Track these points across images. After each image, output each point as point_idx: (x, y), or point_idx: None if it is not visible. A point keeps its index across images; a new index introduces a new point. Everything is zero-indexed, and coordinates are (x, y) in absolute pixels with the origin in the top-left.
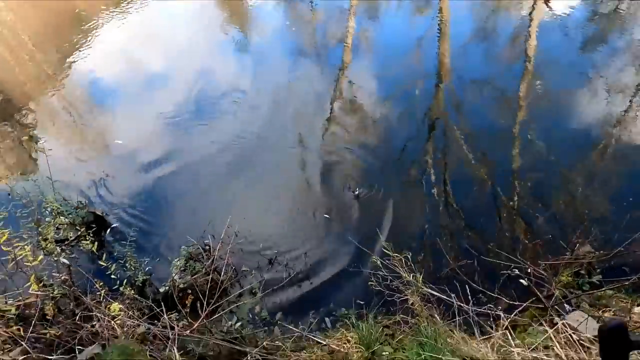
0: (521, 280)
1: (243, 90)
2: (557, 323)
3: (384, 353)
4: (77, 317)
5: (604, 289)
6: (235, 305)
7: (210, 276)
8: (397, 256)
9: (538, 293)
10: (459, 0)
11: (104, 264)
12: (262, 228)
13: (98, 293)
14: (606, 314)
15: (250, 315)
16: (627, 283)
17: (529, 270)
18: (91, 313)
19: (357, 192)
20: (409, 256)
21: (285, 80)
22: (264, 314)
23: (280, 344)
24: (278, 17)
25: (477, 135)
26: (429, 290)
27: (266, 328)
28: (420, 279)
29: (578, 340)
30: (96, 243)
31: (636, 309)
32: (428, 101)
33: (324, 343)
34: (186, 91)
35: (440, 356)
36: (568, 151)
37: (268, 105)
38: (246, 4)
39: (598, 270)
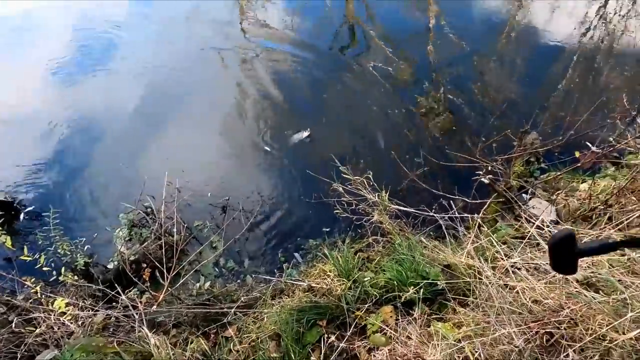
0: (482, 179)
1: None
2: (519, 213)
3: (365, 280)
4: (14, 324)
5: (557, 173)
6: (199, 264)
7: (162, 240)
8: (357, 179)
9: (498, 188)
10: None
11: (28, 257)
12: (204, 174)
13: (33, 291)
14: (560, 195)
15: (217, 270)
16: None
17: (487, 168)
18: (31, 315)
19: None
20: (370, 176)
21: None
22: (230, 265)
23: (258, 294)
24: None
25: (395, 37)
26: (395, 206)
27: (238, 281)
28: (386, 196)
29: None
30: (8, 237)
31: (582, 186)
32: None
33: (304, 283)
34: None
35: (420, 269)
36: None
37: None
38: None
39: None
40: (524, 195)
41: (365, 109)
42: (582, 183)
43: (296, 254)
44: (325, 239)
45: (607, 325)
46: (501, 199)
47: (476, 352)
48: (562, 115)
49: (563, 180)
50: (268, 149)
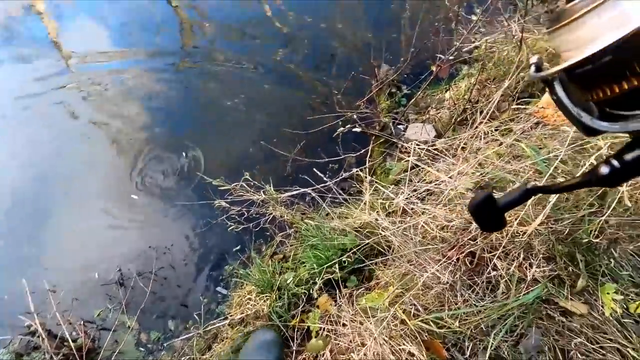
0: (354, 130)
1: None
2: (401, 145)
3: (288, 281)
4: None
5: (420, 93)
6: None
7: (62, 353)
8: (236, 185)
9: (372, 132)
10: None
11: None
12: (82, 256)
13: None
14: (431, 112)
15: (143, 349)
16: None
17: (353, 117)
18: None
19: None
20: (247, 176)
21: None
22: (155, 336)
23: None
24: None
25: (238, 27)
26: (285, 194)
27: (164, 346)
28: (271, 189)
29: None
30: None
31: (447, 95)
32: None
33: (228, 321)
34: None
35: (337, 243)
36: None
37: None
38: None
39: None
40: (399, 127)
41: (233, 109)
42: (445, 92)
43: (219, 289)
44: (238, 259)
45: (514, 221)
46: (382, 140)
47: (411, 308)
48: (408, 42)
49: (430, 98)
50: (135, 197)
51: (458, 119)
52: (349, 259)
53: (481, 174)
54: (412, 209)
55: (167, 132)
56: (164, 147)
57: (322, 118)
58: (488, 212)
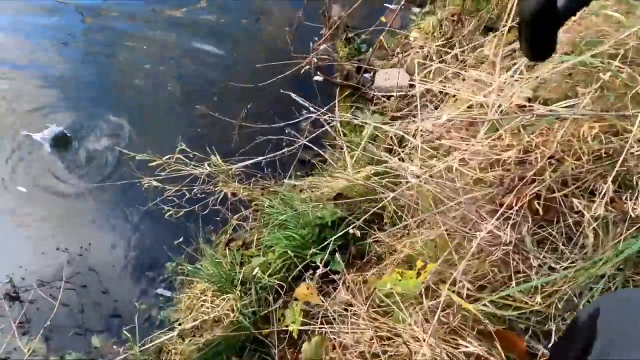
0: (315, 78)
1: None
2: (372, 95)
3: (254, 272)
4: None
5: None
6: None
7: None
8: (168, 158)
9: (337, 81)
10: None
11: None
12: None
13: None
14: (399, 56)
15: None
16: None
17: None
18: None
19: None
20: (182, 145)
21: None
22: (72, 357)
23: None
24: None
25: None
26: (239, 164)
27: None
28: (218, 159)
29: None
30: None
31: (412, 35)
32: None
33: (176, 331)
34: None
35: (312, 219)
36: None
37: None
38: None
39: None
40: (366, 76)
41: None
42: (410, 34)
43: (160, 291)
44: (182, 252)
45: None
46: (347, 92)
47: (461, 288)
48: None
49: (392, 43)
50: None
51: (434, 57)
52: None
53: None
54: (435, 147)
55: (73, 100)
56: (67, 119)
57: (272, 67)
58: (547, 19)
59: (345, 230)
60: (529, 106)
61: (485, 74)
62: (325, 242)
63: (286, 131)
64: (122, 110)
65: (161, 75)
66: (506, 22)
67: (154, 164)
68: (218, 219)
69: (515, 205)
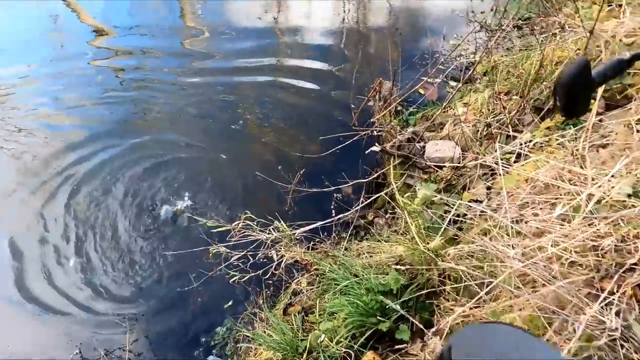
0: (372, 148)
1: None
2: (423, 164)
3: (320, 338)
4: None
5: (421, 113)
6: None
7: None
8: (237, 225)
9: (391, 151)
10: None
11: None
12: None
13: None
14: (444, 131)
15: None
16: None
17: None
18: None
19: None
20: (249, 213)
21: None
22: None
23: None
24: None
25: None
26: (301, 229)
27: None
28: (283, 225)
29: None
30: None
31: (459, 109)
32: None
33: None
34: None
35: (373, 284)
36: None
37: None
38: None
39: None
40: (417, 146)
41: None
42: (456, 107)
43: (210, 358)
44: (236, 318)
45: None
46: (398, 161)
47: None
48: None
49: (438, 115)
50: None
51: (485, 133)
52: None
53: None
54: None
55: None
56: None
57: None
58: (581, 84)
59: (410, 298)
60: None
61: (567, 161)
62: (390, 310)
63: (338, 197)
64: (185, 178)
65: (220, 143)
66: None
67: (222, 229)
68: (272, 282)
69: (617, 291)
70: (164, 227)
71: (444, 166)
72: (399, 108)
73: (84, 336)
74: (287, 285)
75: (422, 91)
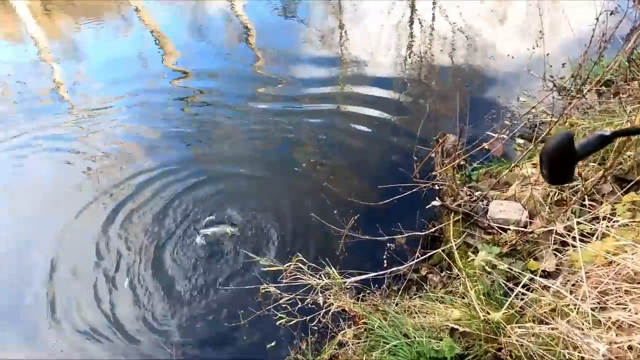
0: (433, 203)
1: None
2: (486, 225)
3: None
4: None
5: (484, 169)
6: None
7: None
8: (287, 267)
9: (453, 207)
10: None
11: None
12: None
13: None
14: (510, 191)
15: None
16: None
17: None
18: None
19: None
20: (300, 255)
21: None
22: None
23: None
24: None
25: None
26: (352, 279)
27: None
28: (335, 272)
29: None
30: None
31: (528, 171)
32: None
33: None
34: None
35: (425, 348)
36: None
37: None
38: None
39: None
40: (480, 204)
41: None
42: (524, 167)
43: None
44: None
45: None
46: (458, 218)
47: None
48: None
49: (504, 173)
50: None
51: (555, 199)
52: None
53: None
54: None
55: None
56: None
57: (387, 189)
58: (564, 156)
59: None
60: None
61: None
62: None
63: (391, 247)
64: (240, 210)
65: (280, 177)
66: None
67: (273, 269)
68: (316, 327)
69: None
70: (216, 259)
71: (509, 229)
72: (462, 163)
73: None
74: (333, 334)
75: (487, 147)
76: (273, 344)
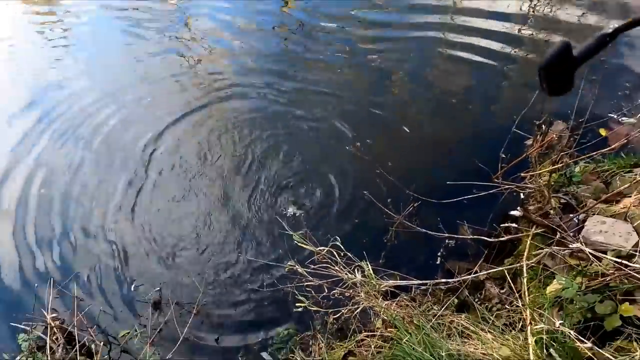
0: (512, 212)
1: None
2: (575, 248)
3: None
4: None
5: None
6: None
7: None
8: (321, 250)
9: (536, 219)
10: None
11: None
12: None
13: None
14: (621, 204)
15: None
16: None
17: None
18: None
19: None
20: (338, 241)
21: None
22: None
23: None
24: None
25: None
26: (389, 282)
27: None
28: (370, 270)
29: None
30: None
31: None
32: None
33: None
34: None
35: None
36: None
37: None
38: None
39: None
40: (572, 217)
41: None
42: None
43: (264, 354)
44: (296, 326)
45: None
46: (539, 230)
47: None
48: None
49: (618, 178)
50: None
51: None
52: None
53: None
54: None
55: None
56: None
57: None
58: (564, 64)
59: None
60: None
61: None
62: None
63: (450, 244)
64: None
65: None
66: None
67: (307, 247)
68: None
69: None
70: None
71: (606, 257)
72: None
73: None
74: (357, 327)
75: (603, 132)
76: (300, 309)
